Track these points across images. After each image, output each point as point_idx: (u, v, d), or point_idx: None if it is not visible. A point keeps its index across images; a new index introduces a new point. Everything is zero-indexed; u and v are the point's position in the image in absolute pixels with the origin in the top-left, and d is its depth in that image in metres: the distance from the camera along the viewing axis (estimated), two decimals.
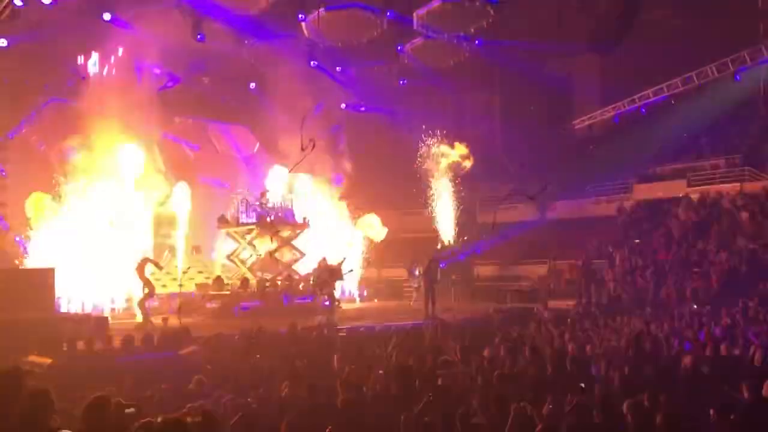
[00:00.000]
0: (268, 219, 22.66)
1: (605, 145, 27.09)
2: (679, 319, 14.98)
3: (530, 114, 27.23)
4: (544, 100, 27.97)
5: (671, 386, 7.88)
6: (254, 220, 22.63)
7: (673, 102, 26.44)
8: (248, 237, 23.09)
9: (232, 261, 23.74)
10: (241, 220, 22.86)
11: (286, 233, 23.49)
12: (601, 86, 29.62)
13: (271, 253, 23.05)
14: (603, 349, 10.82)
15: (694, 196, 24.99)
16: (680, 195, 25.48)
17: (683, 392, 7.85)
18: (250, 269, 23.11)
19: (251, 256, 23.50)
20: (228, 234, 23.66)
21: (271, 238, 22.90)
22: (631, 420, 6.36)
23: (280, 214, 23.04)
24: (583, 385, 8.18)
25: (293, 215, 23.48)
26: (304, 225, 23.60)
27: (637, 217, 26.15)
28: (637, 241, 24.28)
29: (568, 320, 16.32)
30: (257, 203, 22.91)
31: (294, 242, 23.87)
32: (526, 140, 27.82)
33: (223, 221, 23.27)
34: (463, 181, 27.76)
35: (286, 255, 23.73)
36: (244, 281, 22.11)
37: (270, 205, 23.05)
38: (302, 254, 23.57)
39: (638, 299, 19.78)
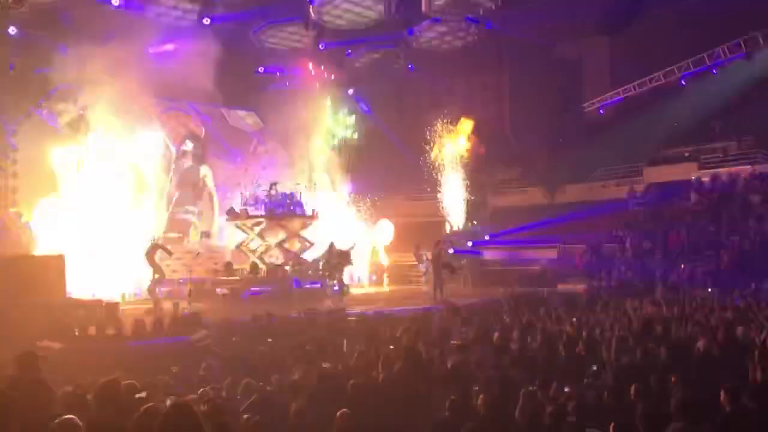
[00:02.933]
0: (277, 211, 22.69)
1: (615, 128, 26.88)
2: (690, 302, 14.90)
3: (539, 97, 26.97)
4: (553, 82, 27.69)
5: (683, 369, 7.84)
6: (263, 213, 22.67)
7: (684, 84, 26.15)
8: (257, 229, 23.14)
9: (241, 250, 23.79)
10: (250, 213, 22.92)
11: (295, 225, 23.50)
12: (611, 68, 29.34)
13: (280, 244, 23.09)
14: (613, 333, 10.76)
15: (706, 179, 24.80)
16: (691, 178, 25.30)
17: (695, 375, 7.81)
18: (259, 258, 23.16)
19: (261, 245, 23.55)
20: (237, 226, 23.74)
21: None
22: (639, 404, 6.33)
23: (289, 206, 23.03)
24: (595, 367, 8.16)
25: (302, 207, 23.48)
26: (313, 217, 23.60)
27: (648, 199, 26.02)
28: (647, 223, 24.15)
29: (579, 304, 16.28)
30: (266, 195, 22.94)
31: (303, 232, 23.88)
32: (535, 123, 27.61)
33: (232, 214, 23.36)
34: (471, 164, 27.64)
35: (295, 245, 23.74)
36: (254, 267, 22.17)
37: (279, 197, 23.05)
38: (311, 244, 23.59)
39: (649, 282, 19.70)
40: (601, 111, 28.88)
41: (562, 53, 28.77)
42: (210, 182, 26.57)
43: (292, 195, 23.38)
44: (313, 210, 23.72)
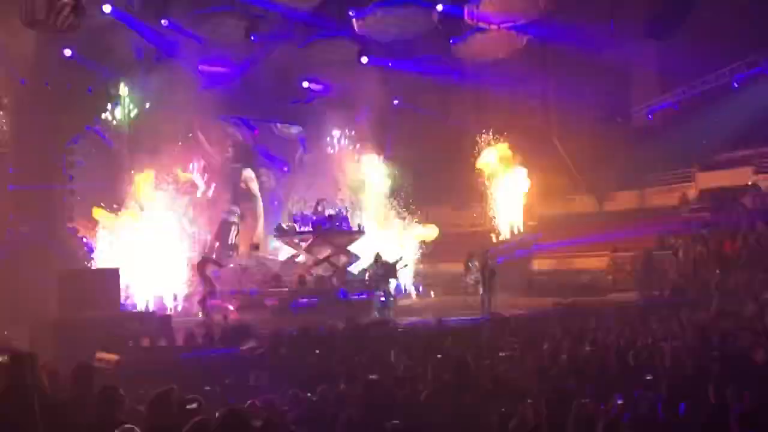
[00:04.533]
0: (324, 228, 22.93)
1: (665, 133, 26.28)
2: (747, 311, 14.43)
3: (587, 103, 26.57)
4: (600, 88, 27.24)
5: (741, 381, 7.59)
6: (310, 229, 22.95)
7: (736, 86, 25.41)
8: (304, 245, 23.42)
9: (289, 264, 24.09)
10: (297, 229, 23.25)
11: (342, 241, 23.67)
12: (659, 72, 28.72)
13: (326, 258, 23.30)
14: (668, 343, 10.50)
15: (762, 184, 24.02)
16: (747, 183, 24.54)
17: (754, 387, 7.54)
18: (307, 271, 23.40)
19: (308, 260, 23.80)
20: (285, 243, 24.07)
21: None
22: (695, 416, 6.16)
23: (336, 222, 23.23)
24: (649, 377, 7.97)
25: (349, 223, 23.66)
26: (360, 232, 23.77)
27: (701, 206, 25.34)
28: (701, 231, 23.48)
29: (631, 313, 15.95)
30: (312, 212, 23.23)
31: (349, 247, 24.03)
32: (583, 130, 27.20)
33: (280, 231, 23.76)
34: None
35: (341, 259, 23.91)
36: (302, 278, 22.39)
37: (326, 213, 23.29)
38: (358, 257, 23.74)
39: (704, 291, 19.12)
40: (651, 116, 28.28)
41: (608, 58, 28.30)
42: (255, 187, 27.05)
43: (339, 211, 23.63)
44: (359, 225, 23.90)
